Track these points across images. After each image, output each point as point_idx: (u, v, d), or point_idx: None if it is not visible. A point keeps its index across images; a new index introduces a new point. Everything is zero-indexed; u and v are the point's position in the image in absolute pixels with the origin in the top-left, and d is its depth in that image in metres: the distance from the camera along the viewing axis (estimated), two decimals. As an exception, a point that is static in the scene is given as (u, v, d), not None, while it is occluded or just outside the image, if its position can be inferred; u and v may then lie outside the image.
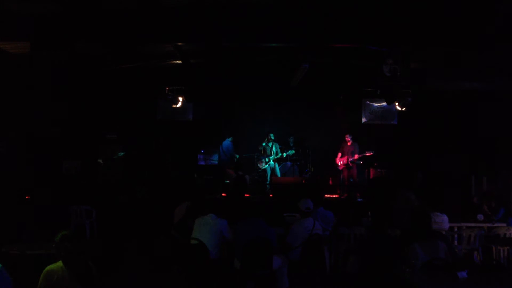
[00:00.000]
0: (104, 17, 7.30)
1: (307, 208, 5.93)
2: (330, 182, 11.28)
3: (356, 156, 10.35)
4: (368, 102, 11.76)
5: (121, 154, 10.69)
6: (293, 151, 10.80)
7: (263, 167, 10.68)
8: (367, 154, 10.30)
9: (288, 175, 10.90)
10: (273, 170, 10.73)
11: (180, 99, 10.44)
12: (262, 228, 5.19)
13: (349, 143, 10.58)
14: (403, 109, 9.98)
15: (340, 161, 10.68)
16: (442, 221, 6.45)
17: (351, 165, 10.52)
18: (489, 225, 7.18)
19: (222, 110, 11.57)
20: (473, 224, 7.08)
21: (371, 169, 11.03)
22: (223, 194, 9.80)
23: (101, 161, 10.74)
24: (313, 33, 7.48)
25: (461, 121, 10.82)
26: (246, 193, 9.19)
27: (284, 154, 10.71)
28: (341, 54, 9.08)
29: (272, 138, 10.71)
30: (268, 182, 10.49)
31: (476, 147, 10.31)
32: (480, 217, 7.23)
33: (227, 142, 10.81)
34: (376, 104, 11.71)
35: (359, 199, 9.49)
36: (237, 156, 10.72)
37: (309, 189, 9.21)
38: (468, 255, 6.75)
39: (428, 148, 10.94)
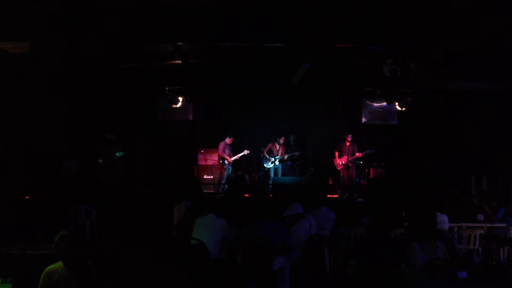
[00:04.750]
0: (104, 17, 7.30)
1: (298, 212, 5.70)
2: (330, 182, 11.27)
3: (360, 154, 10.35)
4: (368, 102, 11.75)
5: (120, 154, 10.68)
6: (299, 153, 10.71)
7: (269, 166, 10.65)
8: (367, 151, 10.29)
9: (288, 175, 10.89)
10: (276, 170, 10.73)
11: (180, 99, 10.43)
12: (276, 228, 5.29)
13: (348, 143, 10.58)
14: (403, 109, 9.99)
15: (339, 161, 10.66)
16: (442, 221, 6.45)
17: (350, 165, 10.52)
18: (489, 225, 7.17)
19: (222, 110, 11.56)
20: (473, 224, 7.08)
21: (371, 169, 11.03)
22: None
23: (101, 161, 10.74)
24: (313, 33, 7.48)
25: (461, 121, 10.81)
26: (246, 193, 9.18)
27: (286, 156, 10.69)
28: (341, 54, 9.07)
29: (281, 143, 10.67)
30: (270, 182, 10.48)
31: (476, 147, 10.31)
32: (480, 217, 7.22)
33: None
34: (376, 104, 11.70)
35: (359, 199, 9.48)
36: None
37: (310, 189, 9.20)
38: (468, 255, 6.73)
39: (428, 148, 10.93)
